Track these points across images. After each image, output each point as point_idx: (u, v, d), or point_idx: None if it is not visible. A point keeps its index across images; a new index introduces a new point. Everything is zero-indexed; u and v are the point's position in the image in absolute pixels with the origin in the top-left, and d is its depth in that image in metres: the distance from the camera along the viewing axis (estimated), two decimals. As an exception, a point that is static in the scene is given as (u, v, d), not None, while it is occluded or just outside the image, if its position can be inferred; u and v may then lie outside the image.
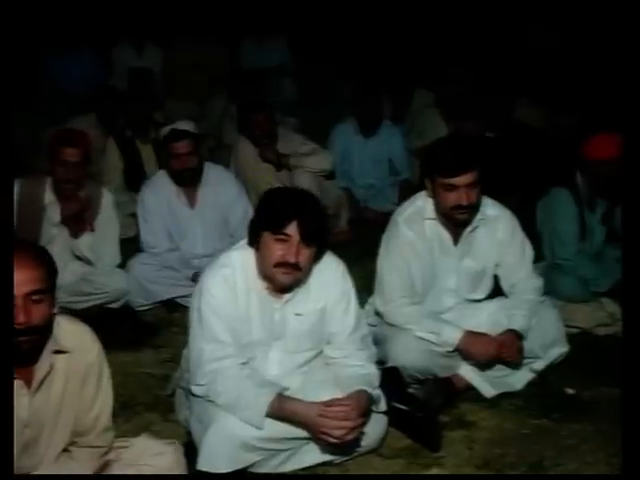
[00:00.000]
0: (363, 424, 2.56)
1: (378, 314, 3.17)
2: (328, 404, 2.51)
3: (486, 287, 3.29)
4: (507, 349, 3.03)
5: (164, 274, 3.92)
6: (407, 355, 3.01)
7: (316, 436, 2.54)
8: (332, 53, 7.56)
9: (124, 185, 5.10)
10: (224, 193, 4.09)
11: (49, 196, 3.75)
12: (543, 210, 3.95)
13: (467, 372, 3.12)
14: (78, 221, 3.72)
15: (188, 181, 3.99)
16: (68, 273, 3.83)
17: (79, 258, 3.81)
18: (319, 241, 2.58)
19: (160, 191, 4.03)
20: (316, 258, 2.66)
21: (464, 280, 3.22)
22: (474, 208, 3.05)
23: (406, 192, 5.13)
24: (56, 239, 3.78)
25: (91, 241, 3.76)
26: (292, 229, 2.51)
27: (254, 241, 2.61)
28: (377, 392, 2.69)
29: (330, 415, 2.48)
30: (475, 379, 3.12)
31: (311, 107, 6.88)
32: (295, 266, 2.54)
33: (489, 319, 3.23)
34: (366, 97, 5.41)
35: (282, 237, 2.52)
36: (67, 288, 3.82)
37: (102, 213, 3.84)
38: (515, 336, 3.06)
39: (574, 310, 3.75)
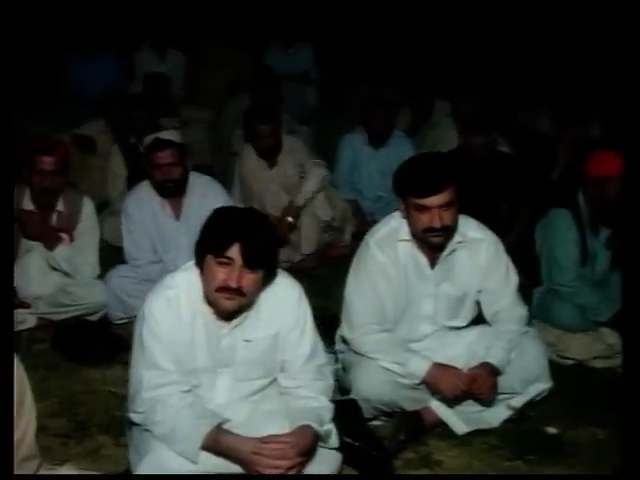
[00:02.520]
0: (304, 463, 2.39)
1: (345, 341, 2.99)
2: (265, 440, 2.34)
3: (468, 314, 3.08)
4: (479, 385, 2.80)
5: (143, 287, 3.76)
6: (371, 386, 2.83)
7: (250, 474, 2.38)
8: (355, 61, 7.45)
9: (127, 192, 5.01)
10: (210, 204, 3.86)
11: (27, 205, 3.68)
12: (542, 232, 3.71)
13: (438, 406, 2.91)
14: (52, 234, 3.63)
15: (171, 192, 3.86)
16: (47, 284, 3.78)
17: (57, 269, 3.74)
18: (265, 265, 2.42)
19: (144, 202, 3.91)
20: (267, 281, 2.51)
21: (442, 306, 3.02)
22: (449, 230, 2.84)
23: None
24: (34, 249, 3.72)
25: (67, 253, 3.67)
26: (234, 252, 2.35)
27: (199, 263, 2.47)
28: (328, 427, 2.51)
29: (265, 453, 2.31)
30: (446, 414, 2.91)
31: (332, 114, 6.77)
32: (238, 291, 2.38)
33: (468, 349, 3.02)
34: (375, 108, 5.24)
35: (224, 260, 2.36)
36: (46, 299, 3.77)
37: (82, 223, 3.76)
38: (489, 371, 2.84)
39: (570, 340, 3.52)
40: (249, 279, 2.39)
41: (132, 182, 5.11)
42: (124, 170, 5.13)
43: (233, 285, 2.36)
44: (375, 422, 2.97)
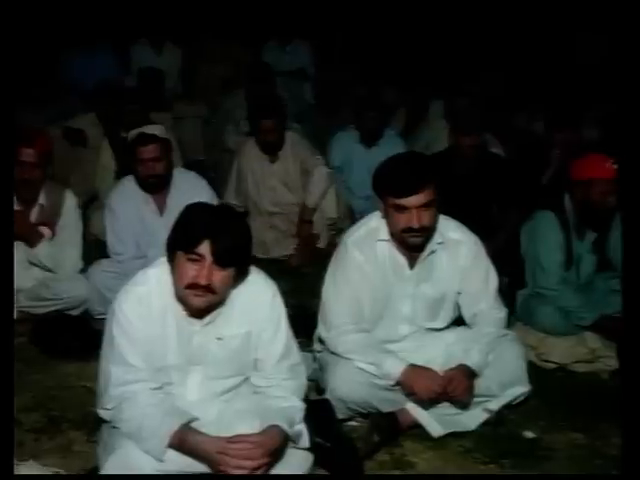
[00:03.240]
0: (271, 463, 2.36)
1: (322, 341, 2.97)
2: (231, 440, 2.31)
3: (447, 315, 3.05)
4: (454, 387, 2.77)
5: (125, 283, 3.76)
6: (346, 386, 2.80)
7: (216, 473, 2.35)
8: (353, 60, 7.43)
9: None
10: (195, 200, 3.90)
11: (9, 198, 3.65)
12: (527, 234, 3.68)
13: (413, 408, 2.88)
14: (33, 232, 3.61)
15: (155, 187, 3.84)
16: (28, 277, 3.75)
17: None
18: (236, 263, 2.39)
19: (128, 197, 3.89)
20: (240, 279, 2.48)
21: (420, 307, 2.99)
22: (427, 231, 2.81)
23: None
24: (15, 244, 3.69)
25: (48, 250, 3.64)
26: (204, 249, 2.32)
27: (170, 259, 2.45)
28: (298, 428, 2.48)
29: (230, 453, 2.27)
30: (422, 416, 2.88)
31: (329, 112, 6.74)
32: (208, 288, 2.34)
33: (446, 351, 2.99)
34: (367, 107, 5.21)
35: (194, 257, 2.33)
36: (26, 293, 3.74)
37: (64, 216, 3.74)
38: (466, 373, 2.82)
39: (552, 343, 3.49)
40: (219, 276, 2.36)
41: (121, 176, 5.11)
42: (113, 164, 5.11)
43: (203, 282, 2.33)
44: (351, 423, 2.95)
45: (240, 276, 2.48)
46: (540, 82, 6.47)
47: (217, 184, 5.97)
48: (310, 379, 3.08)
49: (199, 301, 2.39)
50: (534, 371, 3.37)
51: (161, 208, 3.91)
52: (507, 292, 3.75)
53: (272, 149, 4.91)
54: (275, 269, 4.48)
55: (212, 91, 7.08)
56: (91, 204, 5.27)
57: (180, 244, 2.38)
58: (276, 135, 4.85)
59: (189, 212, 2.45)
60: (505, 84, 6.56)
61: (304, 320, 3.32)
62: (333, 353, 2.89)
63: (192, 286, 2.35)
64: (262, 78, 5.97)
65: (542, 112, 5.59)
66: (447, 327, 3.08)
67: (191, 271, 2.35)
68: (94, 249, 4.27)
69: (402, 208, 2.75)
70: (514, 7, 7.28)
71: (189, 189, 3.94)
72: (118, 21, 7.49)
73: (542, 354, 3.47)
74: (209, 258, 2.33)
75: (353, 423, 2.95)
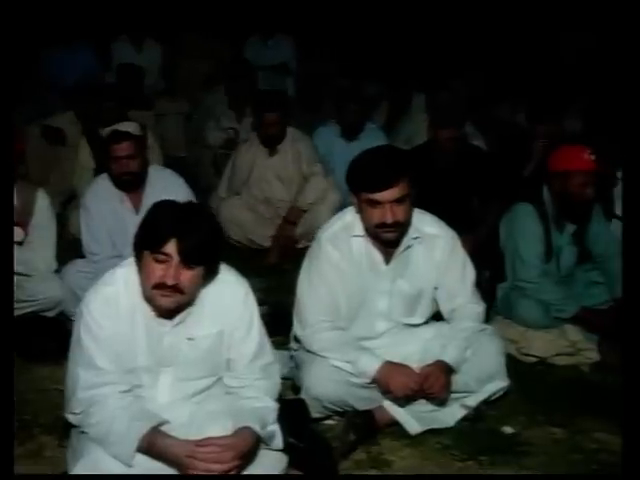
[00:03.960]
0: (242, 466, 2.31)
1: (297, 339, 2.92)
2: (200, 444, 2.27)
3: (425, 311, 3.01)
4: (431, 383, 2.73)
5: (99, 283, 3.72)
6: (321, 385, 2.76)
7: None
8: (335, 54, 7.37)
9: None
10: (171, 197, 3.86)
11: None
12: (506, 227, 3.64)
13: (390, 405, 2.84)
14: None
15: (129, 185, 3.78)
16: (2, 279, 3.70)
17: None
18: (204, 262, 2.34)
19: (103, 195, 3.83)
20: (210, 278, 2.43)
21: (397, 303, 2.95)
22: (401, 226, 2.77)
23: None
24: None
25: (21, 255, 3.56)
26: (171, 248, 2.27)
27: (137, 259, 2.40)
28: (271, 429, 2.43)
29: (199, 456, 2.23)
30: (399, 413, 2.84)
31: (311, 106, 6.69)
32: (175, 288, 2.29)
33: (424, 347, 2.95)
34: (347, 100, 5.17)
35: (161, 257, 2.28)
36: (1, 294, 3.69)
37: (36, 216, 3.67)
38: (443, 369, 2.78)
39: (532, 337, 3.45)
40: (187, 276, 2.31)
41: (99, 174, 5.07)
42: (92, 162, 5.04)
43: (169, 282, 2.28)
44: (328, 421, 2.91)
45: (210, 275, 2.43)
46: (522, 74, 6.43)
47: (199, 181, 6.02)
48: (287, 378, 3.07)
49: (167, 301, 2.34)
50: (514, 365, 3.35)
51: (137, 206, 3.85)
52: (488, 286, 3.75)
53: (272, 142, 4.91)
54: (254, 266, 4.49)
55: (194, 87, 7.04)
56: (69, 203, 5.24)
57: (146, 243, 2.33)
58: (278, 128, 4.87)
59: (155, 210, 2.40)
60: (487, 77, 6.54)
61: (282, 318, 3.30)
62: (309, 351, 2.85)
63: (159, 286, 2.30)
64: (241, 74, 5.90)
65: (524, 104, 5.57)
66: (425, 323, 3.04)
67: (158, 271, 2.30)
68: (73, 249, 4.22)
69: (375, 203, 2.71)
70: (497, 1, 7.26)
71: (165, 187, 3.88)
72: (98, 18, 7.44)
73: (522, 348, 3.43)
74: (176, 257, 2.28)
75: (330, 422, 2.91)
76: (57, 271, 3.77)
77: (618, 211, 3.97)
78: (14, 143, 3.36)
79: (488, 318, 3.59)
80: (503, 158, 4.88)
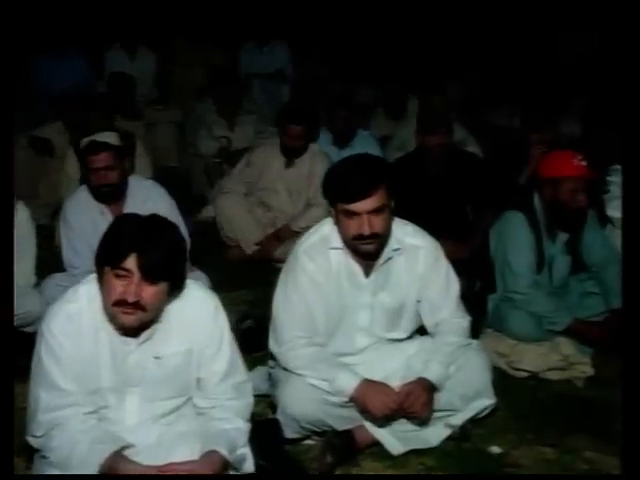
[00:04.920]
0: (208, 491, 2.21)
1: (273, 356, 2.81)
2: (163, 469, 2.16)
3: (408, 325, 2.89)
4: (411, 402, 2.61)
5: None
6: (297, 404, 2.65)
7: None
8: (330, 58, 7.29)
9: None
10: (153, 209, 3.67)
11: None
12: (496, 235, 3.52)
13: (371, 425, 2.71)
14: None
15: (109, 197, 3.68)
16: (-21, 293, 3.61)
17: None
18: (167, 277, 2.23)
19: (83, 207, 3.74)
20: (176, 294, 2.32)
21: (379, 317, 2.83)
22: (379, 237, 2.65)
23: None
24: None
25: None
26: (131, 263, 2.17)
27: (98, 275, 2.30)
28: (241, 452, 2.33)
29: (161, 483, 2.14)
30: (380, 433, 2.72)
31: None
32: (137, 305, 2.19)
33: (407, 363, 2.83)
34: (338, 107, 5.08)
35: (121, 272, 2.18)
36: (-23, 309, 3.60)
37: (15, 230, 3.57)
38: (424, 387, 2.65)
39: (523, 350, 3.32)
40: (150, 292, 2.21)
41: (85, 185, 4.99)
42: (78, 173, 4.91)
43: (130, 299, 2.18)
44: (307, 441, 2.80)
45: (175, 290, 2.33)
46: (518, 79, 6.32)
47: (191, 190, 5.93)
48: (267, 395, 2.96)
49: (128, 319, 2.23)
50: (504, 380, 3.24)
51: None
52: (479, 296, 3.63)
53: (292, 154, 4.79)
54: (239, 278, 4.39)
55: (188, 96, 6.96)
56: (58, 215, 5.15)
57: (106, 259, 2.23)
58: (300, 142, 4.74)
59: (116, 225, 2.30)
60: (484, 81, 6.44)
61: (267, 332, 3.19)
62: (285, 369, 2.73)
63: (120, 303, 2.20)
64: (229, 82, 5.81)
65: (520, 110, 5.46)
66: (410, 337, 2.93)
67: (118, 287, 2.20)
68: (58, 261, 4.13)
69: (352, 214, 2.60)
70: (493, 5, 7.15)
71: (147, 198, 3.79)
72: (91, 26, 7.38)
73: (513, 362, 3.31)
74: (137, 273, 2.18)
75: (309, 442, 2.79)
76: (37, 285, 3.68)
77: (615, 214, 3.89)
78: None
79: (479, 330, 3.51)
80: (498, 164, 4.76)
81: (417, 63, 6.61)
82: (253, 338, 3.42)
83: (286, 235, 4.65)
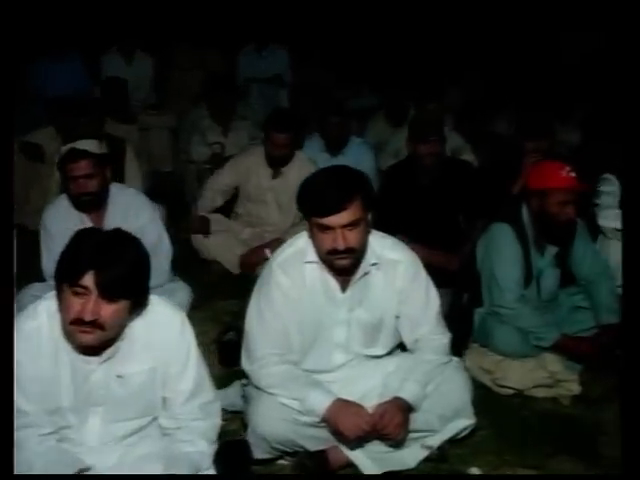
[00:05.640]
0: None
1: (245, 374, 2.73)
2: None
3: (387, 341, 2.79)
4: (385, 424, 2.51)
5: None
6: (267, 424, 2.56)
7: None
8: (329, 64, 7.22)
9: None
10: (135, 218, 3.69)
11: None
12: (482, 248, 3.43)
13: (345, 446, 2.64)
14: None
15: (89, 206, 3.61)
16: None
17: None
18: (127, 295, 2.16)
19: (63, 216, 3.66)
20: (138, 311, 2.25)
21: (356, 333, 2.74)
22: (355, 252, 2.56)
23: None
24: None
25: None
26: (89, 281, 2.09)
27: (57, 292, 2.22)
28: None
29: (115, 509, 2.07)
30: (354, 454, 2.63)
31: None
32: (94, 324, 2.12)
33: (385, 381, 2.74)
34: (331, 114, 4.98)
35: (79, 290, 2.10)
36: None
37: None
38: (399, 407, 2.56)
39: (508, 367, 3.22)
40: (108, 311, 2.13)
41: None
42: (69, 179, 4.90)
43: (87, 318, 2.10)
44: (281, 461, 2.71)
45: (138, 308, 2.25)
46: (517, 86, 6.23)
47: (184, 196, 5.86)
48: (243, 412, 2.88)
49: (87, 338, 2.15)
50: (488, 397, 3.16)
51: (98, 227, 3.68)
52: (466, 310, 3.54)
53: (278, 164, 4.63)
54: (224, 288, 4.31)
55: (185, 101, 6.89)
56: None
57: (64, 276, 2.15)
58: (286, 150, 4.57)
59: (75, 240, 2.22)
60: (484, 88, 6.36)
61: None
62: (257, 387, 2.65)
63: (77, 322, 2.12)
64: (224, 87, 5.73)
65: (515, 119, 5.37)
66: (390, 353, 2.84)
67: (76, 305, 2.12)
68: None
69: (325, 228, 2.51)
70: (494, 11, 7.06)
71: (129, 206, 3.73)
72: (90, 30, 7.33)
73: (498, 378, 3.21)
74: (94, 291, 2.10)
75: (283, 462, 2.71)
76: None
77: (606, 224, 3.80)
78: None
79: (465, 345, 3.42)
80: (492, 173, 4.66)
81: (419, 69, 6.52)
82: (234, 351, 3.33)
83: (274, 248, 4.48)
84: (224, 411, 2.96)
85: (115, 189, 3.74)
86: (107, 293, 2.11)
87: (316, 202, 2.51)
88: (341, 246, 2.52)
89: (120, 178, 4.97)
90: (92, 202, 3.61)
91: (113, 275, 2.10)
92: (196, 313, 3.92)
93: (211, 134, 5.68)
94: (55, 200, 3.82)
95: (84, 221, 3.68)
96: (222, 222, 4.72)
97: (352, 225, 2.52)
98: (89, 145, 3.61)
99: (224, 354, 3.49)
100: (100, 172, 3.60)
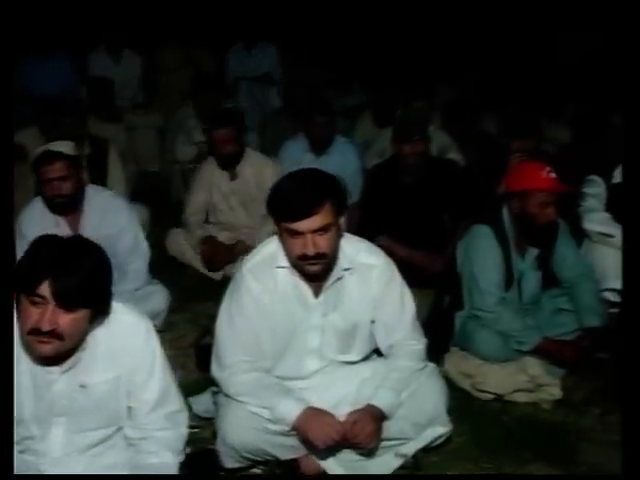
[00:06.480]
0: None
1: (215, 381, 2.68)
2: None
3: (362, 347, 2.74)
4: (356, 433, 2.45)
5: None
6: (236, 433, 2.50)
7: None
8: (320, 62, 7.16)
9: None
10: (112, 220, 3.66)
11: None
12: (463, 250, 3.37)
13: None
14: None
15: (63, 208, 3.56)
16: None
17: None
18: (86, 304, 2.10)
19: (38, 219, 3.60)
20: (100, 320, 2.20)
21: (330, 339, 2.68)
22: (325, 257, 2.50)
23: (354, 217, 4.65)
24: None
25: None
26: (45, 290, 2.04)
27: (16, 302, 2.16)
28: (168, 486, 2.22)
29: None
30: (326, 463, 2.58)
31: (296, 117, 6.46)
32: (52, 334, 2.06)
33: (360, 388, 2.68)
34: (316, 113, 4.92)
35: (36, 299, 2.05)
36: None
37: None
38: (372, 415, 2.50)
39: (488, 371, 3.16)
40: (66, 320, 2.07)
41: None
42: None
43: (45, 328, 2.04)
44: (253, 470, 2.66)
45: (99, 316, 2.20)
46: (508, 85, 6.17)
47: (170, 196, 5.81)
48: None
49: (45, 349, 2.10)
50: (468, 402, 3.11)
51: (74, 230, 3.61)
52: (447, 313, 3.48)
53: (229, 163, 4.53)
54: (205, 290, 4.26)
55: (173, 100, 6.83)
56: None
57: (20, 285, 2.09)
58: (231, 146, 4.47)
59: (32, 248, 2.17)
60: (474, 86, 6.30)
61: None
62: (227, 395, 2.60)
63: (34, 332, 2.06)
64: (209, 86, 5.68)
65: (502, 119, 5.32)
66: (366, 359, 2.78)
67: (34, 315, 2.06)
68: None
69: (295, 233, 2.45)
70: (482, 12, 7.01)
71: (105, 209, 3.68)
72: (77, 29, 7.27)
73: (478, 383, 3.15)
74: (52, 300, 2.05)
75: (255, 471, 2.66)
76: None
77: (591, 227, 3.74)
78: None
79: (446, 350, 3.37)
80: (478, 173, 4.61)
81: (410, 66, 6.46)
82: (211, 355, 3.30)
83: (240, 252, 4.34)
84: (198, 418, 2.96)
85: (91, 191, 3.69)
86: (64, 302, 2.06)
87: (285, 207, 2.45)
88: (311, 251, 2.46)
89: (103, 179, 4.96)
90: (67, 205, 3.56)
91: (70, 284, 2.05)
92: (174, 316, 3.90)
93: (197, 133, 5.61)
94: (30, 203, 3.77)
95: (60, 224, 3.63)
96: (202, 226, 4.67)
97: (322, 230, 2.46)
98: (63, 147, 3.56)
99: (202, 358, 3.43)
100: (75, 174, 3.54)
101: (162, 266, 4.27)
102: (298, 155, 4.99)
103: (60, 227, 3.62)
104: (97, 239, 3.45)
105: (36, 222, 3.63)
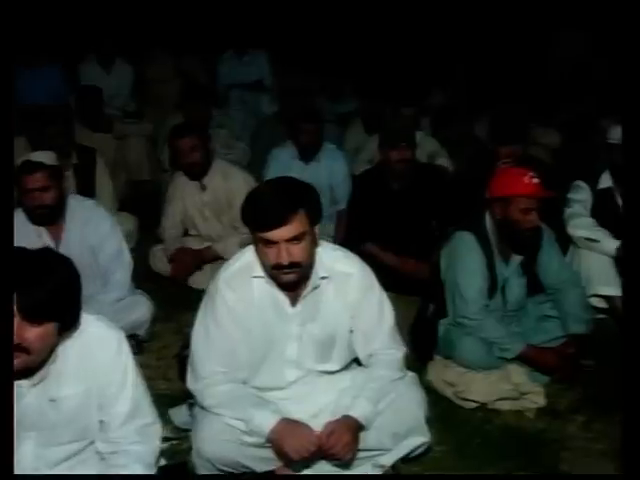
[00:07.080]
0: None
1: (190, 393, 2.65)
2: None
3: (341, 356, 2.70)
4: (332, 444, 2.42)
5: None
6: (211, 445, 2.47)
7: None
8: (310, 69, 7.14)
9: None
10: (94, 230, 3.63)
11: None
12: (446, 257, 3.34)
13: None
14: None
15: (44, 219, 3.53)
16: None
17: None
18: (52, 317, 2.07)
19: (20, 231, 3.48)
20: (68, 332, 2.17)
21: (308, 349, 2.65)
22: (300, 267, 2.46)
23: (343, 224, 4.63)
24: None
25: None
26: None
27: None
28: (139, 501, 2.18)
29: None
30: (303, 474, 2.55)
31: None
32: (18, 348, 2.04)
33: (338, 398, 2.64)
34: (304, 121, 4.89)
35: (1, 312, 2.04)
36: None
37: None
38: (348, 426, 2.46)
39: (472, 380, 3.12)
40: (33, 334, 2.05)
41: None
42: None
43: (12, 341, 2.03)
44: (231, 482, 2.63)
45: (69, 329, 2.18)
46: (499, 90, 6.14)
47: (159, 205, 5.78)
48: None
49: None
50: (450, 411, 3.07)
51: (57, 241, 3.60)
52: (431, 321, 3.45)
53: (197, 173, 4.47)
54: (186, 302, 4.22)
55: (164, 109, 6.81)
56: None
57: (-14, 298, 2.08)
58: (195, 155, 4.39)
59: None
60: (466, 91, 6.28)
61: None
62: (202, 407, 2.57)
63: (0, 346, 2.05)
64: (198, 96, 5.66)
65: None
66: (344, 369, 2.75)
67: (-1, 329, 2.05)
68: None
69: (269, 242, 2.42)
70: (474, 17, 6.99)
71: (88, 219, 3.65)
72: (69, 38, 7.27)
73: (460, 391, 3.11)
74: (17, 314, 2.03)
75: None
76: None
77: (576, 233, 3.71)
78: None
79: (430, 358, 3.34)
80: (468, 179, 4.58)
81: (398, 76, 6.43)
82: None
83: (207, 258, 4.38)
84: (177, 429, 2.93)
85: (74, 201, 3.66)
86: (30, 316, 2.03)
87: (258, 216, 2.42)
88: (285, 261, 2.43)
89: (91, 188, 4.94)
90: (48, 215, 3.53)
91: (35, 297, 2.03)
92: (159, 326, 3.88)
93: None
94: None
95: (41, 235, 3.60)
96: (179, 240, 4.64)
97: (296, 239, 2.42)
98: (44, 157, 3.53)
99: (184, 369, 3.41)
100: (56, 184, 3.52)
101: (147, 275, 4.25)
102: (286, 162, 4.97)
103: (42, 238, 3.60)
104: (80, 249, 3.61)
105: (18, 234, 3.58)
